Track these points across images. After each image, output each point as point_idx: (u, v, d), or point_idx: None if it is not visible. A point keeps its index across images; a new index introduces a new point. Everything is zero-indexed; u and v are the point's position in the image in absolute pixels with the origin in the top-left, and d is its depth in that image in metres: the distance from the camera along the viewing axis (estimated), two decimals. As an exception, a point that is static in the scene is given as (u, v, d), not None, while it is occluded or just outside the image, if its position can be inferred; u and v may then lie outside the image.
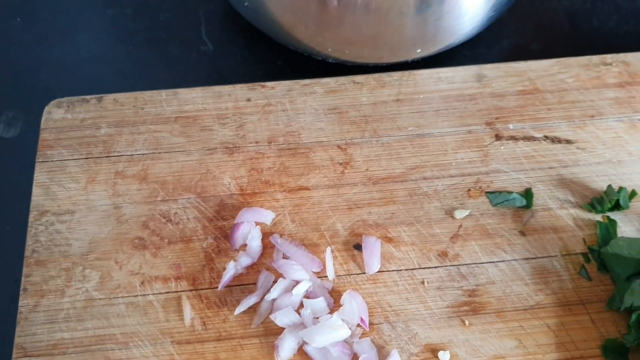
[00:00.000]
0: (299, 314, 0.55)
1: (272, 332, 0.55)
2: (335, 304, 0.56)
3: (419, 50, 0.66)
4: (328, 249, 0.57)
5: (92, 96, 0.65)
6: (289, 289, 0.56)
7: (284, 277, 0.56)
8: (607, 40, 0.76)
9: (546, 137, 0.64)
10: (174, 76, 0.71)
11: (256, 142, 0.63)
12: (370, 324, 0.55)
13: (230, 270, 0.56)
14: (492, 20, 0.67)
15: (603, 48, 0.75)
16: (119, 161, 0.62)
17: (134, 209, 0.60)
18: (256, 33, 0.71)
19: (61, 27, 0.73)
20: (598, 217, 0.60)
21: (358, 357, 0.53)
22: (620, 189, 0.60)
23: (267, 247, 0.59)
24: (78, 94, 0.68)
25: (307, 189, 0.61)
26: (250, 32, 0.73)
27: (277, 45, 0.71)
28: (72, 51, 0.72)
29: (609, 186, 0.61)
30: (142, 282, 0.56)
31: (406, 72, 0.67)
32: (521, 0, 0.76)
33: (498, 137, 0.64)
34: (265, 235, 0.59)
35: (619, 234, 0.59)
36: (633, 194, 0.61)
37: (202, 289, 0.57)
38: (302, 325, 0.54)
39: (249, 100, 0.65)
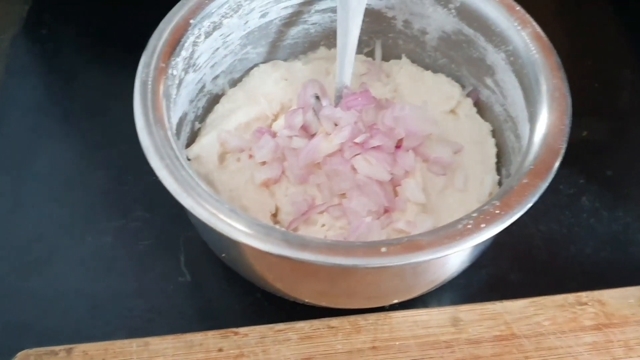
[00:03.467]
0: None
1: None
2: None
3: (396, 300, 0.66)
4: None
5: (61, 347, 0.63)
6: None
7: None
8: (585, 268, 0.76)
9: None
10: (147, 311, 0.70)
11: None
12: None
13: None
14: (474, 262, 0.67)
15: (582, 277, 0.75)
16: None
17: None
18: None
19: (37, 257, 0.73)
20: None
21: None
22: None
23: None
24: (51, 332, 0.68)
25: None
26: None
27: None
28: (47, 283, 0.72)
29: None
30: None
31: (382, 315, 0.67)
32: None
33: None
34: None
35: None
36: None
37: None
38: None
39: (220, 350, 0.64)
